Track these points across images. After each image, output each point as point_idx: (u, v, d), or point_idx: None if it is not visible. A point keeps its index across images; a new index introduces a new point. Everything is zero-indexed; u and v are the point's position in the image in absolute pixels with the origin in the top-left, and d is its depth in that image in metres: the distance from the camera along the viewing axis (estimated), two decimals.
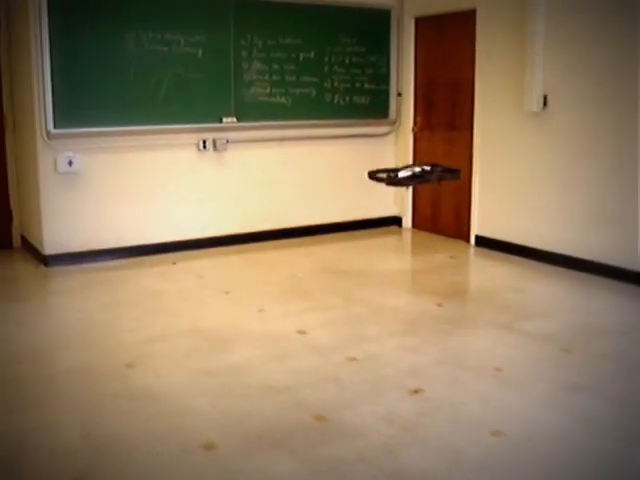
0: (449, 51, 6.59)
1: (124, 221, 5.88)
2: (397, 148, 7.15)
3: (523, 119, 5.81)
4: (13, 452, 2.83)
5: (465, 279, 5.74)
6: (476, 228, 6.37)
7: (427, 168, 3.97)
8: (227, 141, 6.22)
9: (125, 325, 4.31)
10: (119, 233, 5.85)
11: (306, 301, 4.79)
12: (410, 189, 6.93)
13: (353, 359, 3.75)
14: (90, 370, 3.64)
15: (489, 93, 6.13)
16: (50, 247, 5.63)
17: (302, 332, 4.16)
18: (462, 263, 6.06)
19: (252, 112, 6.29)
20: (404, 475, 2.66)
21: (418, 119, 6.99)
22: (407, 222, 7.19)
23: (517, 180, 5.94)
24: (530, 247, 5.81)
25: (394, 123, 7.11)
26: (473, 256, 6.19)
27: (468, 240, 6.45)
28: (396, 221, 7.24)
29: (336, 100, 6.73)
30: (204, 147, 6.14)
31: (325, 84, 6.64)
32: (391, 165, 6.58)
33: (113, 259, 5.80)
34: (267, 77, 6.31)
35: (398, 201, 7.17)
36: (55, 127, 5.45)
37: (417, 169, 3.98)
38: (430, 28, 6.79)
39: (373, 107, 6.96)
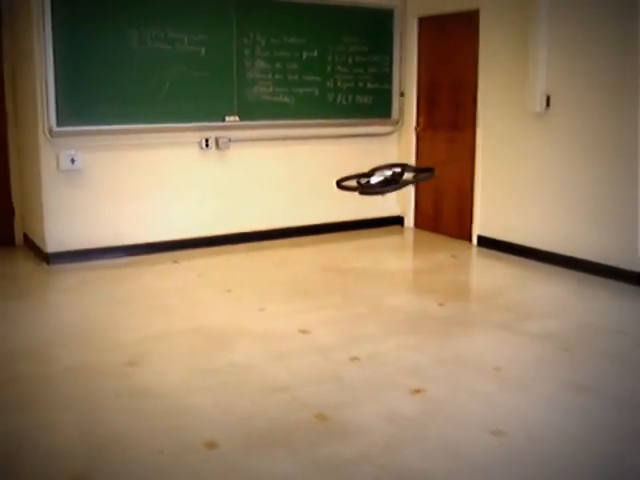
0: (452, 51, 6.58)
1: (126, 219, 5.88)
2: (400, 148, 7.14)
3: (526, 119, 5.81)
4: (11, 451, 2.82)
5: (467, 279, 5.74)
6: (478, 228, 6.37)
7: (397, 170, 3.90)
8: (229, 140, 6.22)
9: (126, 323, 4.31)
10: (121, 231, 5.86)
11: (308, 300, 4.79)
12: (412, 188, 6.92)
13: (355, 358, 3.75)
14: (90, 368, 3.63)
15: (492, 93, 6.13)
16: (52, 245, 5.63)
17: (304, 331, 4.16)
18: (464, 263, 6.05)
19: (255, 111, 6.29)
20: (405, 474, 2.66)
21: (421, 119, 6.99)
22: (409, 222, 7.19)
23: (519, 180, 5.93)
24: (531, 247, 5.82)
25: (397, 123, 7.11)
26: (475, 256, 6.19)
27: (470, 240, 6.45)
28: (398, 221, 7.23)
29: (339, 99, 6.73)
30: (207, 146, 6.14)
31: (328, 83, 6.64)
32: None
33: (115, 257, 5.80)
34: (270, 76, 6.31)
35: (400, 201, 7.17)
36: (58, 125, 5.45)
37: (388, 172, 3.90)
38: (433, 28, 6.78)
39: (376, 107, 6.96)
